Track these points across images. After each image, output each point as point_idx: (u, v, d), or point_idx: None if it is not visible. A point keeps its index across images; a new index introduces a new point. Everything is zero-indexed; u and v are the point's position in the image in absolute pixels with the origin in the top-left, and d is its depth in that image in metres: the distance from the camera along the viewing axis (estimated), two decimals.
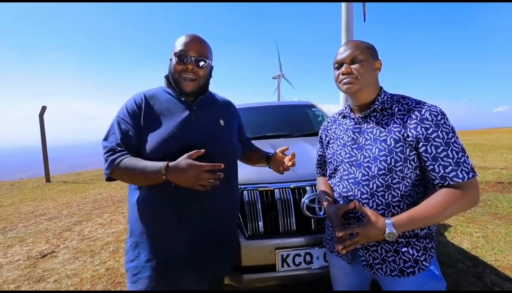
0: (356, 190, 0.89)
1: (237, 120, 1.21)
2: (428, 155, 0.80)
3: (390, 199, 0.85)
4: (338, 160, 0.97)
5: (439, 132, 0.79)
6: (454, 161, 0.77)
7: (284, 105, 3.36)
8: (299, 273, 1.37)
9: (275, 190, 1.44)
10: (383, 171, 0.84)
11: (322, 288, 1.90)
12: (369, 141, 0.89)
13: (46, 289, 2.19)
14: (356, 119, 0.95)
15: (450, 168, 0.78)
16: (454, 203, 0.76)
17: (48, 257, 2.79)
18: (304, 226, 1.41)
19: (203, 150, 0.88)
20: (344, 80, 0.89)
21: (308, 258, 1.36)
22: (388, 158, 0.83)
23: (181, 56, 0.95)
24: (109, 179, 0.93)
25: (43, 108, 8.23)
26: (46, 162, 8.30)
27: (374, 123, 0.90)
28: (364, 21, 10.29)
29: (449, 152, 0.78)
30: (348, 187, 0.92)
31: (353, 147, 0.93)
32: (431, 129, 0.80)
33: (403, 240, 0.85)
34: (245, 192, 1.44)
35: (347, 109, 1.01)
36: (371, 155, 0.87)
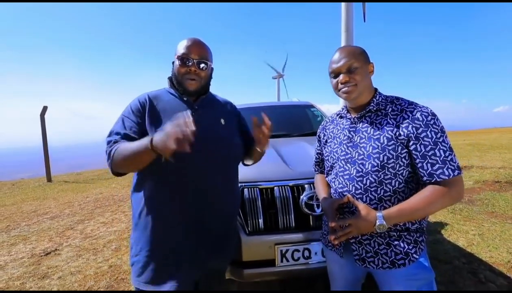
0: (350, 185, 0.94)
1: (238, 119, 1.25)
2: (418, 153, 0.85)
3: (382, 194, 0.90)
4: (334, 157, 1.02)
5: (428, 132, 0.84)
6: (441, 159, 0.83)
7: (284, 105, 3.41)
8: (298, 268, 1.41)
9: (275, 188, 1.49)
10: (376, 168, 0.89)
11: (320, 284, 1.95)
12: (364, 140, 0.94)
13: (51, 285, 2.24)
14: (352, 119, 1.00)
15: (437, 165, 0.83)
16: (440, 198, 0.82)
17: (51, 255, 2.84)
18: (302, 222, 1.46)
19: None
20: (344, 89, 0.93)
21: (306, 253, 1.41)
22: (381, 155, 0.88)
23: (183, 59, 1.00)
24: (116, 173, 0.97)
25: (44, 108, 8.28)
26: (47, 161, 8.34)
27: (368, 123, 0.95)
28: (364, 21, 10.35)
29: (436, 150, 0.83)
30: (344, 182, 0.96)
31: (348, 145, 0.97)
32: (421, 129, 0.84)
33: (394, 233, 0.90)
34: (245, 190, 1.49)
35: (344, 110, 1.06)
36: (365, 152, 0.92)
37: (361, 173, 0.92)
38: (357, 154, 0.94)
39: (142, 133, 0.97)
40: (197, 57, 1.01)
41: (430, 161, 0.83)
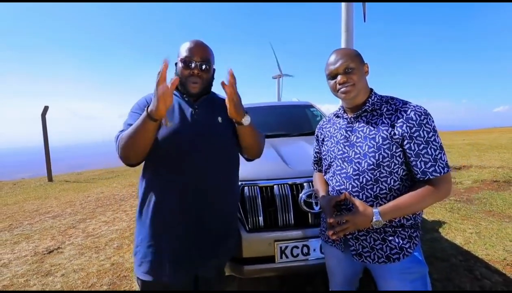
0: (347, 183, 0.98)
1: None
2: (412, 152, 0.89)
3: (378, 192, 0.93)
4: (332, 156, 1.05)
5: (421, 131, 0.88)
6: (433, 157, 0.87)
7: (284, 105, 3.44)
8: (297, 264, 1.45)
9: (274, 186, 1.53)
10: (372, 166, 0.92)
11: (319, 280, 1.98)
12: (360, 139, 0.97)
13: (55, 282, 2.28)
14: (348, 119, 1.04)
15: (429, 163, 0.87)
16: (432, 194, 0.87)
17: (54, 253, 2.88)
18: (301, 219, 1.50)
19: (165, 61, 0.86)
20: (342, 89, 0.97)
21: (305, 249, 1.44)
22: (377, 154, 0.92)
23: (186, 61, 1.03)
24: (128, 163, 0.99)
25: (46, 108, 8.31)
26: (49, 161, 8.38)
27: (364, 123, 0.98)
28: (364, 21, 10.37)
29: (428, 149, 0.87)
30: (341, 181, 1.00)
31: (345, 144, 1.01)
32: (414, 128, 0.88)
33: (390, 229, 0.94)
34: (245, 188, 1.53)
35: (340, 110, 1.10)
36: (361, 151, 0.95)
37: (357, 171, 0.95)
38: (353, 152, 0.98)
39: None
40: (199, 59, 1.04)
41: (423, 159, 0.87)
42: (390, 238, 0.94)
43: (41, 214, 4.47)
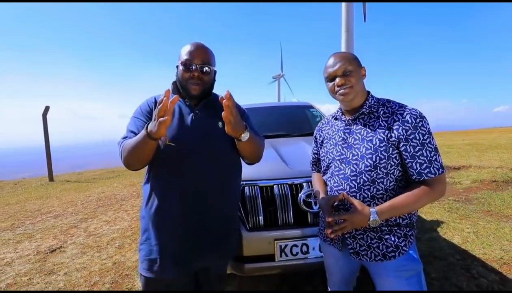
0: (345, 184, 1.01)
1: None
2: (408, 154, 0.92)
3: (375, 192, 0.96)
4: (330, 157, 1.08)
5: (416, 134, 0.91)
6: (428, 159, 0.90)
7: (284, 106, 3.47)
8: (296, 262, 1.48)
9: (274, 186, 1.56)
10: (369, 168, 0.95)
11: (318, 278, 2.01)
12: (357, 141, 1.00)
13: (58, 280, 2.31)
14: (346, 121, 1.06)
15: (424, 165, 0.90)
16: (427, 194, 0.90)
17: (56, 252, 2.91)
18: (301, 219, 1.53)
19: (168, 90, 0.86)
20: (340, 91, 0.99)
21: (304, 248, 1.47)
22: (374, 156, 0.95)
23: (187, 64, 1.04)
24: (133, 170, 1.04)
25: (46, 108, 8.34)
26: (50, 161, 8.42)
27: (362, 125, 1.01)
28: (364, 21, 10.38)
29: (423, 151, 0.90)
30: (339, 181, 1.03)
31: (343, 146, 1.04)
32: (410, 131, 0.91)
33: (386, 228, 0.97)
34: (246, 188, 1.56)
35: (338, 112, 1.13)
36: (359, 153, 0.98)
37: (355, 173, 0.98)
38: (351, 154, 1.00)
39: None
40: (200, 62, 1.05)
41: (418, 161, 0.91)
42: (386, 236, 0.97)
43: (43, 214, 4.51)
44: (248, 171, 1.58)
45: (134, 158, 0.98)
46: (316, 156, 1.25)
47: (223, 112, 0.90)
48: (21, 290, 2.21)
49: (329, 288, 1.23)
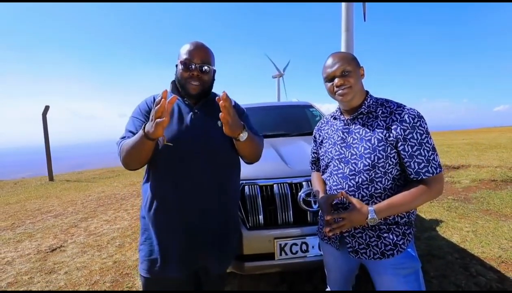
0: (344, 183, 1.02)
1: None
2: (406, 153, 0.93)
3: (373, 191, 0.97)
4: (329, 157, 1.09)
5: (414, 133, 0.92)
6: (426, 158, 0.91)
7: (284, 105, 3.48)
8: (296, 261, 1.49)
9: (274, 185, 1.57)
10: (368, 167, 0.96)
11: (318, 277, 2.02)
12: (356, 140, 1.01)
13: (58, 279, 2.32)
14: (345, 121, 1.07)
15: (422, 164, 0.91)
16: (424, 193, 0.91)
17: (57, 251, 2.92)
18: (300, 217, 1.54)
19: (165, 90, 0.87)
20: (339, 92, 1.00)
21: (304, 247, 1.48)
22: (372, 156, 0.96)
23: (186, 63, 1.04)
24: (131, 169, 1.05)
25: (46, 108, 8.34)
26: (49, 160, 8.42)
27: (360, 125, 1.02)
28: (364, 20, 10.38)
29: (421, 150, 0.91)
30: (338, 180, 1.04)
31: (342, 145, 1.05)
32: (408, 130, 0.92)
33: (384, 227, 0.98)
34: (246, 187, 1.57)
35: (337, 111, 1.13)
36: (357, 152, 0.99)
37: (353, 172, 0.99)
38: (350, 153, 1.01)
39: None
40: (199, 61, 1.05)
41: (416, 160, 0.92)
42: (385, 235, 0.98)
43: (43, 213, 4.52)
44: (248, 170, 1.59)
45: (131, 158, 0.98)
46: (316, 155, 1.26)
47: (220, 113, 0.90)
48: (22, 289, 2.22)
49: (328, 287, 1.24)
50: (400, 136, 0.93)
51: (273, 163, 1.76)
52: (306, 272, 2.11)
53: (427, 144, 0.91)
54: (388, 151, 0.94)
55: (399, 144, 0.93)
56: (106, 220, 3.97)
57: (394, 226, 0.98)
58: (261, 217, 1.53)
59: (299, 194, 1.54)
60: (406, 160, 0.93)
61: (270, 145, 2.11)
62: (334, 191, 1.05)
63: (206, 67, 1.06)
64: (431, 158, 0.91)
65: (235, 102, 1.27)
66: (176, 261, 1.06)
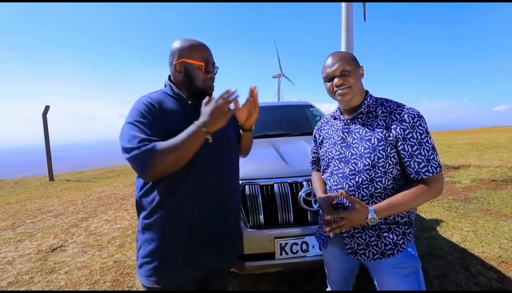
0: (344, 183, 1.02)
1: (233, 116, 1.23)
2: (406, 153, 0.93)
3: (373, 191, 0.97)
4: (329, 156, 1.09)
5: (414, 133, 0.92)
6: (425, 158, 0.91)
7: (284, 105, 3.48)
8: (296, 260, 1.49)
9: (274, 185, 1.57)
10: (368, 167, 0.96)
11: (318, 276, 2.03)
12: (356, 140, 1.01)
13: (59, 279, 2.33)
14: (345, 121, 1.08)
15: (422, 164, 0.91)
16: (424, 193, 0.91)
17: (57, 251, 2.92)
18: (301, 217, 1.54)
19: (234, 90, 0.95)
20: (339, 92, 1.00)
21: (304, 246, 1.49)
22: (372, 155, 0.96)
23: (206, 66, 1.02)
24: (153, 176, 0.89)
25: (47, 108, 8.35)
26: (50, 160, 8.42)
27: (360, 125, 1.02)
28: (364, 20, 10.38)
29: (421, 150, 0.91)
30: (338, 180, 1.04)
31: (342, 145, 1.05)
32: (407, 130, 0.92)
33: (384, 226, 0.98)
34: (246, 187, 1.57)
35: (337, 111, 1.14)
36: (357, 152, 0.99)
37: (353, 172, 0.99)
38: (350, 153, 1.02)
39: (157, 134, 0.91)
40: (213, 61, 1.05)
41: (416, 160, 0.92)
42: (385, 234, 0.98)
43: (44, 213, 4.52)
44: (248, 170, 1.60)
45: (178, 162, 0.89)
46: (316, 155, 1.26)
47: (249, 109, 1.03)
48: (22, 289, 2.22)
49: (328, 286, 1.24)
50: (399, 136, 0.93)
51: (273, 162, 1.77)
52: (306, 272, 2.11)
53: (427, 144, 0.91)
54: (388, 151, 0.95)
55: (399, 144, 0.93)
56: (106, 219, 3.97)
57: (394, 226, 0.98)
58: (261, 216, 1.53)
59: (300, 193, 1.54)
60: (406, 159, 0.93)
61: (271, 145, 2.11)
62: (334, 191, 1.06)
63: (217, 68, 1.07)
64: (431, 158, 0.91)
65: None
66: (186, 264, 1.00)
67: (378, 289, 1.03)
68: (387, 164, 0.95)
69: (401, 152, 0.93)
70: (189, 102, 1.05)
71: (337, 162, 1.05)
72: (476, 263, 2.13)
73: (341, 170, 1.03)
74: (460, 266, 2.10)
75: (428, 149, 0.91)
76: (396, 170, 0.97)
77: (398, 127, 0.93)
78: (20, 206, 5.16)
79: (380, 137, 0.96)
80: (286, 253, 1.48)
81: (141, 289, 1.09)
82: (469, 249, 2.37)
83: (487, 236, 2.60)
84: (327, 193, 1.11)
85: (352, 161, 1.00)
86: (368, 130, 0.99)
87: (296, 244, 1.48)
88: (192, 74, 1.02)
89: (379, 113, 1.00)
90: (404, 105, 0.98)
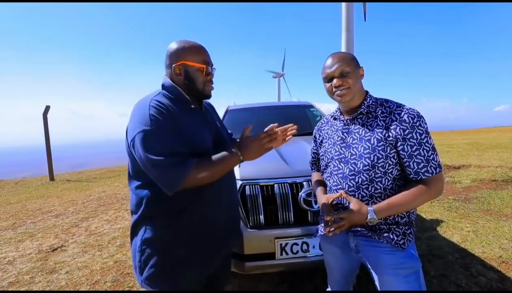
0: (344, 183, 1.02)
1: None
2: (405, 153, 0.93)
3: (373, 191, 0.97)
4: (329, 156, 1.10)
5: (413, 133, 0.92)
6: (425, 158, 0.91)
7: (284, 105, 3.48)
8: (296, 261, 1.50)
9: (275, 185, 1.57)
10: (367, 167, 0.96)
11: (319, 276, 2.03)
12: (356, 140, 1.01)
13: (59, 279, 2.33)
14: (345, 121, 1.08)
15: (422, 164, 0.91)
16: (424, 193, 0.91)
17: (58, 251, 2.92)
18: (301, 217, 1.54)
19: (251, 126, 1.08)
20: (338, 92, 1.01)
21: (304, 246, 1.49)
22: (372, 155, 0.96)
23: (207, 68, 1.02)
24: (176, 190, 0.88)
25: (47, 108, 8.35)
26: (50, 160, 8.43)
27: (360, 125, 1.02)
28: (365, 20, 10.38)
29: (421, 150, 0.91)
30: (338, 180, 1.04)
31: (341, 145, 1.05)
32: (407, 130, 0.92)
33: (385, 227, 0.98)
34: (247, 187, 1.57)
35: (337, 112, 1.14)
36: (357, 152, 1.00)
37: (353, 172, 0.99)
38: (349, 153, 1.02)
39: (176, 138, 0.91)
40: (212, 63, 1.05)
41: (416, 160, 0.92)
42: (385, 234, 0.98)
43: (44, 213, 4.52)
44: (249, 170, 1.60)
45: (216, 177, 0.96)
46: (316, 155, 1.26)
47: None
48: (23, 289, 2.23)
49: (329, 286, 1.24)
50: (399, 136, 0.93)
51: (273, 162, 1.77)
52: (306, 272, 2.11)
53: (426, 144, 0.91)
54: (388, 151, 0.95)
55: (398, 144, 0.94)
56: (107, 219, 3.97)
57: (394, 226, 0.98)
58: (262, 216, 1.53)
59: (300, 193, 1.54)
60: (405, 159, 0.93)
61: None
62: (335, 191, 1.06)
63: (214, 69, 1.08)
64: (431, 158, 0.91)
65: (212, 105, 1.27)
66: (192, 269, 1.00)
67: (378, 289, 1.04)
68: (387, 164, 0.95)
69: (401, 152, 0.94)
70: (192, 106, 1.04)
71: (337, 162, 1.06)
72: (477, 263, 2.13)
73: (341, 170, 1.04)
74: (460, 266, 2.10)
75: (428, 149, 0.91)
76: (396, 170, 0.97)
77: (398, 128, 0.93)
78: (20, 206, 5.16)
79: (379, 138, 0.96)
80: (287, 253, 1.49)
81: (141, 289, 1.09)
82: (469, 249, 2.37)
83: (488, 236, 2.60)
84: (327, 193, 1.12)
85: (352, 161, 1.00)
86: (367, 130, 0.99)
87: (296, 244, 1.49)
88: (193, 76, 1.01)
89: (379, 113, 1.00)
90: (404, 105, 0.98)
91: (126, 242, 3.05)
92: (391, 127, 0.95)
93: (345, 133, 1.06)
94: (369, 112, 1.02)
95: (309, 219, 1.53)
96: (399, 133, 0.93)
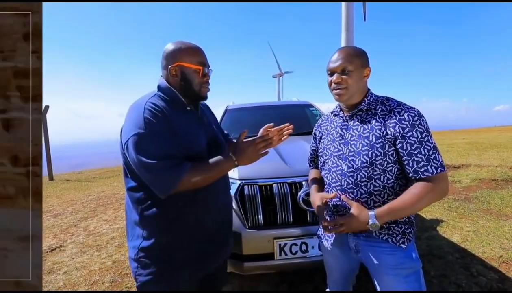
0: (342, 180, 1.01)
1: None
2: (404, 151, 0.91)
3: (372, 189, 0.96)
4: (327, 153, 1.08)
5: (414, 132, 0.90)
6: (426, 157, 0.89)
7: (283, 105, 3.47)
8: (295, 261, 1.49)
9: (274, 185, 1.56)
10: (366, 164, 0.95)
11: (319, 277, 2.02)
12: (354, 137, 1.00)
13: (57, 279, 2.32)
14: (344, 117, 1.07)
15: (422, 163, 0.89)
16: (426, 194, 0.88)
17: (56, 251, 2.91)
18: (300, 217, 1.53)
19: (246, 130, 1.07)
20: (335, 90, 1.00)
21: (304, 247, 1.48)
22: (370, 152, 0.95)
23: (203, 69, 1.01)
24: (170, 193, 0.88)
25: (46, 108, 8.34)
26: (49, 160, 8.41)
27: (359, 122, 1.01)
28: (365, 20, 10.36)
29: (421, 149, 0.89)
30: (336, 177, 1.03)
31: (340, 142, 1.04)
32: (407, 128, 0.91)
33: (384, 225, 0.97)
34: (245, 187, 1.56)
35: (337, 108, 1.13)
36: (355, 149, 0.98)
37: (352, 169, 0.98)
38: (348, 150, 1.00)
39: (171, 141, 0.91)
40: (208, 64, 1.04)
41: (415, 158, 0.90)
42: (385, 233, 0.96)
43: (43, 213, 4.51)
44: (247, 170, 1.59)
45: (209, 181, 0.95)
46: (314, 152, 1.25)
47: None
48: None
49: (328, 287, 1.23)
50: (398, 134, 0.91)
51: (272, 162, 1.75)
52: (306, 272, 2.10)
53: (427, 143, 0.90)
54: (386, 148, 0.93)
55: (397, 142, 0.92)
56: (105, 219, 3.96)
57: (394, 225, 0.97)
58: (260, 217, 1.52)
59: (299, 193, 1.53)
60: (404, 158, 0.92)
61: None
62: (333, 188, 1.05)
63: (211, 70, 1.07)
64: (432, 157, 0.89)
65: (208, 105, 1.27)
66: (195, 268, 1.01)
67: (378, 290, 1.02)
68: (385, 162, 0.94)
69: (400, 150, 0.92)
70: (188, 108, 1.04)
71: (336, 158, 1.04)
72: (477, 263, 2.12)
73: (340, 167, 1.02)
74: (460, 266, 2.09)
75: (428, 148, 0.90)
76: (396, 169, 0.95)
77: (397, 126, 0.92)
78: None
79: (378, 135, 0.95)
80: (286, 254, 1.47)
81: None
82: (469, 249, 2.36)
83: (488, 236, 2.59)
84: (323, 191, 1.11)
85: (350, 158, 0.99)
86: (366, 127, 0.98)
87: (295, 244, 1.47)
88: (189, 78, 1.00)
89: (379, 111, 0.99)
90: (405, 104, 0.97)
91: (124, 242, 3.04)
92: (390, 125, 0.93)
93: (343, 130, 1.04)
94: (369, 109, 1.01)
95: (308, 219, 1.52)
96: (398, 131, 0.91)
